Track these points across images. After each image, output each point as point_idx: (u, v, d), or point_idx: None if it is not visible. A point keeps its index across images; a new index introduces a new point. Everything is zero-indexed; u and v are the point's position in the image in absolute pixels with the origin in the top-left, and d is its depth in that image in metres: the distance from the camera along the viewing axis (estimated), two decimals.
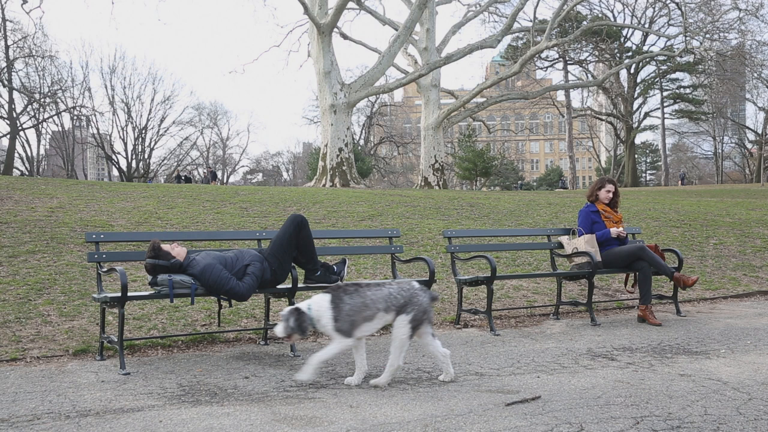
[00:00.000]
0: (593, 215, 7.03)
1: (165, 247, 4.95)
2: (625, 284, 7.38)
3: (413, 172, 55.64)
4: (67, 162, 51.01)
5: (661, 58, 44.08)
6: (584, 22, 39.80)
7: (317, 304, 4.26)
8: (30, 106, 44.09)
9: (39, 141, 51.23)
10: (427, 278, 5.82)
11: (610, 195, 7.14)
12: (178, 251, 4.95)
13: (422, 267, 7.74)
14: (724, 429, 3.47)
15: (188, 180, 40.60)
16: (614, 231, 6.91)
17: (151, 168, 53.40)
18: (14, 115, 41.69)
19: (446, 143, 44.65)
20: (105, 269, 5.14)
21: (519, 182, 61.36)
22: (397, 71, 31.03)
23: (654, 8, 44.43)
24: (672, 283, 7.02)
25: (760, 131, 54.91)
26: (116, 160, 51.18)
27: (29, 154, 48.22)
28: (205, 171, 49.88)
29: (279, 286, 5.29)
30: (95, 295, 4.99)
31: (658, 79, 51.83)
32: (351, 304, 4.22)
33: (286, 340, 4.58)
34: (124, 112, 50.09)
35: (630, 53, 48.42)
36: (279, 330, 4.25)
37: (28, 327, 5.30)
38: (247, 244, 7.49)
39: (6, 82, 39.71)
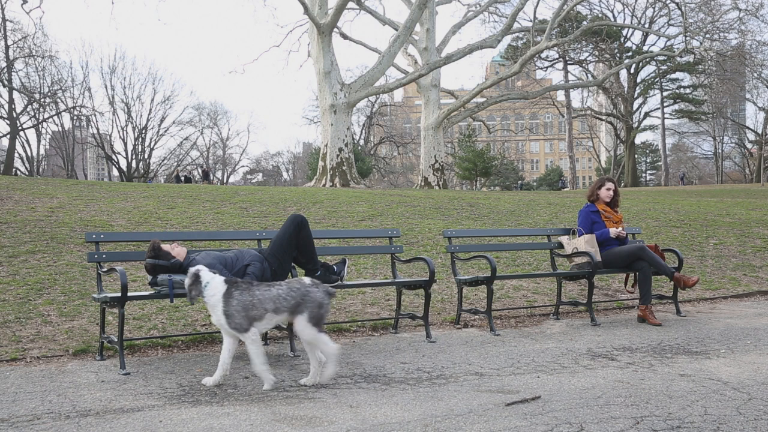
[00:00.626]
0: (593, 215, 7.03)
1: (165, 247, 4.95)
2: (625, 284, 7.37)
3: (413, 172, 55.65)
4: (67, 162, 51.01)
5: (661, 58, 44.09)
6: (584, 22, 39.80)
7: (213, 288, 4.25)
8: (30, 106, 44.11)
9: (39, 141, 51.27)
10: (427, 278, 5.83)
11: (611, 194, 7.14)
12: (178, 251, 4.95)
13: (422, 267, 7.74)
14: (724, 429, 3.47)
15: (188, 180, 40.49)
16: (613, 231, 6.91)
17: (151, 168, 53.41)
18: (14, 115, 41.70)
19: (446, 143, 44.65)
20: (105, 269, 5.14)
21: (519, 182, 61.37)
22: (397, 71, 31.05)
23: (654, 8, 44.46)
24: (672, 283, 7.02)
25: (760, 131, 54.92)
26: (116, 160, 51.19)
27: (29, 154, 48.25)
28: (200, 171, 49.81)
29: None
30: (95, 295, 4.99)
31: (658, 79, 51.84)
32: (239, 300, 4.19)
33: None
34: (124, 112, 50.14)
35: (630, 53, 48.43)
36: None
37: (28, 327, 5.30)
38: (247, 244, 7.49)
39: (6, 82, 39.71)
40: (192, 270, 4.31)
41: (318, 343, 4.24)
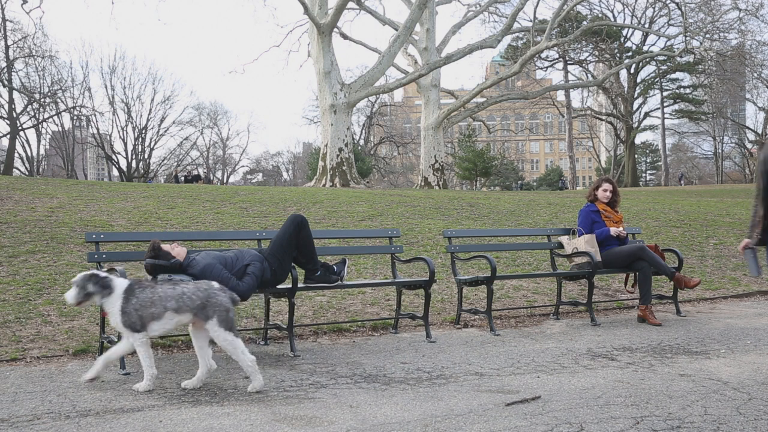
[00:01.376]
0: (593, 215, 7.03)
1: (165, 247, 4.95)
2: (625, 284, 7.38)
3: (413, 172, 55.65)
4: (67, 162, 51.01)
5: (661, 58, 44.09)
6: (584, 22, 39.80)
7: (115, 288, 4.12)
8: (30, 106, 44.09)
9: (39, 141, 51.24)
10: (427, 278, 5.83)
11: (608, 194, 7.14)
12: (178, 251, 4.95)
13: (422, 267, 7.74)
14: (724, 429, 3.47)
15: (188, 180, 40.11)
16: (614, 230, 6.91)
17: (151, 168, 53.40)
18: (14, 115, 41.70)
19: (446, 143, 44.66)
20: (105, 269, 5.14)
21: (519, 182, 61.34)
22: (397, 71, 31.05)
23: (654, 8, 44.46)
24: (672, 283, 7.02)
25: (760, 131, 54.93)
26: (116, 160, 51.18)
27: (29, 154, 48.24)
28: (204, 171, 49.68)
29: (279, 286, 5.29)
30: None
31: (658, 79, 51.83)
32: (140, 298, 4.08)
33: (75, 306, 4.36)
34: (124, 112, 50.11)
35: (630, 53, 48.42)
36: (70, 296, 4.08)
37: (28, 327, 5.30)
38: (247, 244, 7.49)
39: (6, 82, 39.71)
40: (80, 277, 4.11)
41: (236, 349, 4.13)
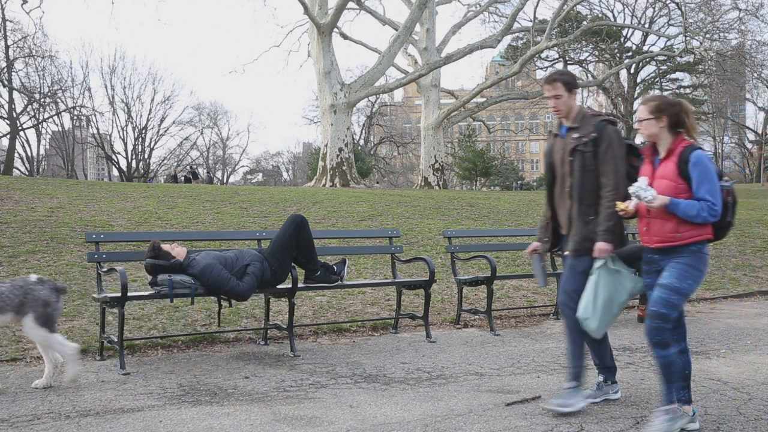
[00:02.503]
0: None
1: (165, 247, 4.95)
2: None
3: (413, 172, 55.63)
4: (67, 162, 50.97)
5: (661, 58, 44.04)
6: (584, 22, 39.79)
7: None
8: (30, 106, 44.05)
9: (39, 141, 51.17)
10: (427, 278, 5.83)
11: None
12: (178, 251, 4.95)
13: (422, 267, 7.73)
14: (724, 429, 3.47)
15: (189, 180, 39.93)
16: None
17: (151, 168, 53.37)
18: (14, 115, 41.67)
19: (446, 143, 44.65)
20: (105, 269, 5.14)
21: (519, 182, 61.26)
22: (397, 71, 31.01)
23: (654, 8, 44.38)
24: None
25: (760, 131, 54.91)
26: (116, 160, 51.14)
27: (29, 154, 48.22)
28: (204, 171, 49.54)
29: (279, 286, 5.29)
30: (95, 295, 4.99)
31: (658, 79, 51.77)
32: None
33: None
34: (124, 112, 50.03)
35: (630, 53, 48.37)
36: None
37: None
38: (247, 244, 7.49)
39: (6, 82, 39.68)
40: None
41: (52, 344, 4.07)
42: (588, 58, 50.04)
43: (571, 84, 3.98)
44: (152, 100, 59.65)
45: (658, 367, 3.42)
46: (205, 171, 48.88)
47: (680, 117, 3.48)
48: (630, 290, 3.77)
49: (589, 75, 50.13)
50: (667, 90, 53.11)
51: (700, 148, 3.46)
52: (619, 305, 3.73)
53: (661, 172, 3.50)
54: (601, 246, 3.77)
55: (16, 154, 44.39)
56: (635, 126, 3.68)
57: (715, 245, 10.41)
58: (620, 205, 3.56)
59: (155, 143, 52.49)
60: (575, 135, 3.90)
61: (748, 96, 55.16)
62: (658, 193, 3.41)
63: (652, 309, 3.40)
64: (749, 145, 59.76)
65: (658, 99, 3.54)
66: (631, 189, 3.45)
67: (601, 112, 4.08)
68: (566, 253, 3.96)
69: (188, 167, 46.73)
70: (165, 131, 53.14)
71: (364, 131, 57.71)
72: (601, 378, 4.03)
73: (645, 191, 3.41)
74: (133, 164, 50.39)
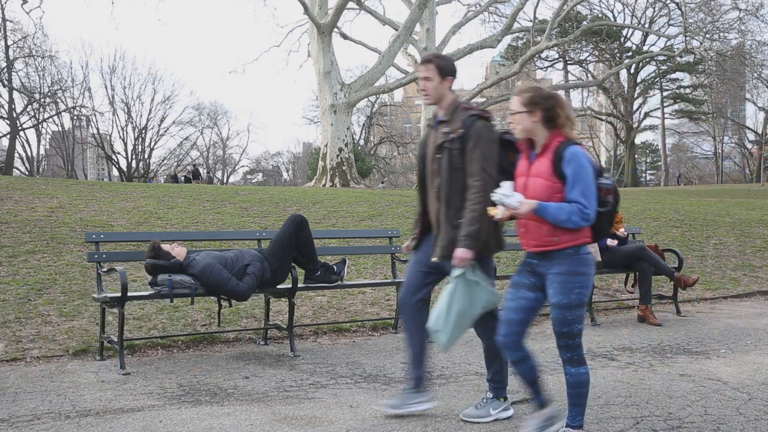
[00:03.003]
0: None
1: (165, 247, 4.95)
2: (625, 284, 7.37)
3: (413, 172, 55.63)
4: (67, 162, 50.97)
5: (661, 58, 44.07)
6: (584, 22, 39.80)
7: None
8: (30, 106, 44.05)
9: (39, 141, 51.18)
10: None
11: None
12: (178, 251, 4.95)
13: None
14: (724, 429, 3.47)
15: (188, 180, 39.93)
16: (610, 242, 6.90)
17: (151, 168, 53.37)
18: (14, 115, 41.67)
19: None
20: (105, 269, 5.14)
21: None
22: (397, 71, 31.01)
23: (654, 8, 44.40)
24: (672, 283, 7.02)
25: (760, 131, 54.89)
26: (116, 160, 51.14)
27: (29, 154, 48.22)
28: (204, 171, 49.47)
29: (279, 286, 5.29)
30: (95, 295, 4.99)
31: (658, 79, 51.81)
32: None
33: None
34: (124, 112, 50.03)
35: (630, 53, 48.39)
36: None
37: (28, 327, 5.30)
38: (247, 244, 7.49)
39: (6, 82, 39.68)
40: None
41: None
42: (588, 58, 50.10)
43: (445, 69, 3.67)
44: (152, 100, 59.54)
45: (568, 385, 3.21)
46: (205, 171, 48.87)
47: (555, 111, 3.18)
48: (485, 304, 3.45)
49: (589, 75, 50.16)
50: (667, 90, 53.14)
51: (578, 144, 3.18)
52: (472, 318, 3.45)
53: (536, 169, 3.20)
54: (460, 253, 3.42)
55: (16, 154, 44.39)
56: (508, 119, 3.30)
57: (716, 245, 10.41)
58: (491, 211, 3.21)
59: (155, 143, 52.50)
60: (444, 129, 3.61)
61: (748, 96, 55.13)
62: (531, 193, 3.14)
63: (556, 330, 3.18)
64: (749, 145, 59.75)
65: (531, 90, 3.22)
66: (494, 197, 3.15)
67: (473, 106, 3.74)
68: (434, 259, 3.62)
69: (192, 166, 46.66)
70: (165, 131, 53.15)
71: (364, 131, 57.68)
72: (490, 395, 3.74)
73: (508, 198, 3.11)
74: (133, 164, 50.38)
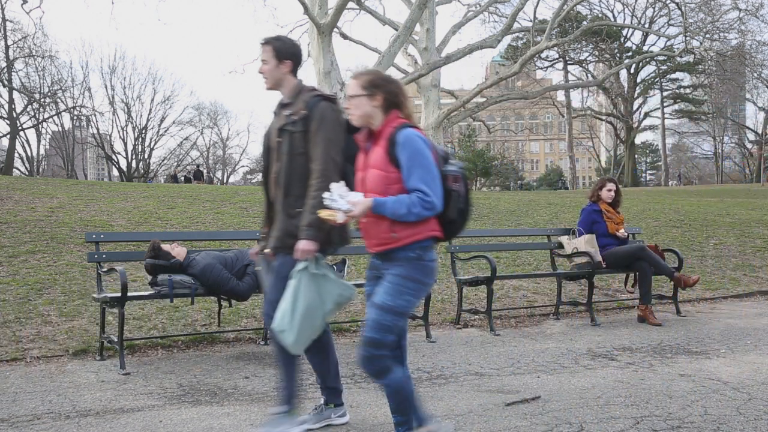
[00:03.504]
0: (595, 215, 7.04)
1: (165, 247, 4.95)
2: (625, 284, 7.37)
3: None
4: (67, 162, 50.96)
5: (661, 58, 44.07)
6: (584, 22, 39.79)
7: None
8: (30, 106, 44.04)
9: (39, 141, 51.17)
10: None
11: (612, 194, 7.15)
12: (178, 251, 4.95)
13: None
14: (724, 429, 3.47)
15: (188, 180, 39.91)
16: (620, 233, 6.94)
17: (151, 168, 53.36)
18: (14, 115, 41.66)
19: (446, 143, 44.65)
20: (105, 269, 5.14)
21: (518, 182, 61.22)
22: (397, 71, 31.01)
23: (654, 8, 44.39)
24: (672, 283, 7.02)
25: (760, 131, 54.90)
26: (116, 160, 51.13)
27: (29, 154, 48.21)
28: (204, 171, 49.44)
29: None
30: (95, 295, 4.99)
31: (658, 79, 51.82)
32: None
33: None
34: (124, 112, 50.04)
35: (630, 53, 48.39)
36: None
37: (28, 327, 5.30)
38: (247, 244, 7.48)
39: (6, 82, 39.67)
40: None
41: None
42: (588, 58, 50.08)
43: (282, 51, 3.39)
44: (152, 100, 59.61)
45: (388, 397, 2.89)
46: (204, 171, 48.89)
47: (398, 98, 2.91)
48: (338, 299, 3.15)
49: (589, 75, 50.15)
50: (667, 90, 53.14)
51: (414, 127, 2.87)
52: (324, 315, 3.15)
53: (372, 160, 2.88)
54: (302, 245, 3.13)
55: (16, 154, 44.38)
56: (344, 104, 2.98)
57: (716, 245, 10.40)
58: (323, 214, 2.86)
59: (155, 143, 52.50)
60: (286, 112, 3.35)
61: (748, 96, 55.17)
62: (369, 188, 2.83)
63: (364, 334, 2.81)
64: (749, 145, 59.77)
65: (372, 73, 2.96)
66: (325, 200, 2.84)
67: (318, 88, 3.49)
68: (266, 251, 3.36)
69: (195, 166, 46.55)
70: (165, 131, 53.14)
71: None
72: (321, 401, 3.54)
73: (338, 201, 2.79)
74: (133, 164, 50.37)
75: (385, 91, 2.89)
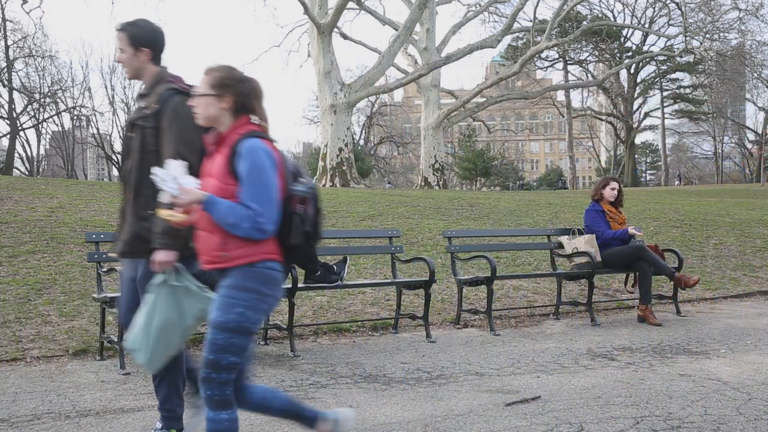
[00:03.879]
0: (598, 215, 7.04)
1: None
2: (625, 284, 7.37)
3: (413, 172, 55.66)
4: (67, 162, 50.95)
5: (661, 58, 44.08)
6: (584, 22, 39.80)
7: None
8: (30, 106, 44.04)
9: (39, 141, 51.19)
10: (427, 278, 5.83)
11: (615, 193, 7.15)
12: None
13: (422, 267, 7.73)
14: (724, 429, 3.47)
15: None
16: (632, 230, 6.91)
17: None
18: (14, 115, 41.66)
19: (446, 143, 44.67)
20: (105, 269, 5.14)
21: (518, 182, 61.22)
22: (397, 71, 31.01)
23: (654, 8, 44.41)
24: (672, 283, 7.02)
25: (760, 131, 54.89)
26: (116, 160, 51.09)
27: (29, 154, 48.21)
28: None
29: None
30: (95, 295, 4.99)
31: (658, 79, 51.82)
32: None
33: None
34: (124, 112, 50.05)
35: (630, 53, 48.40)
36: None
37: (28, 327, 5.30)
38: None
39: (6, 82, 39.67)
40: None
41: None
42: (588, 58, 50.09)
43: (138, 39, 3.15)
44: None
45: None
46: None
47: (250, 101, 2.61)
48: (199, 313, 2.82)
49: (589, 75, 50.16)
50: (667, 90, 53.15)
51: (264, 137, 2.57)
52: (183, 332, 2.85)
53: (213, 168, 2.58)
54: (159, 256, 2.84)
55: (16, 154, 44.38)
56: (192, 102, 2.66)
57: (716, 245, 10.41)
58: (161, 212, 2.53)
59: None
60: (141, 104, 3.10)
61: (748, 96, 55.18)
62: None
63: (203, 355, 2.52)
64: (749, 145, 59.77)
65: (223, 71, 2.61)
66: (154, 178, 2.49)
67: (178, 78, 3.17)
68: (112, 254, 3.08)
69: None
70: None
71: (364, 131, 57.66)
72: (159, 425, 3.18)
73: (168, 182, 2.45)
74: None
75: (235, 92, 2.58)
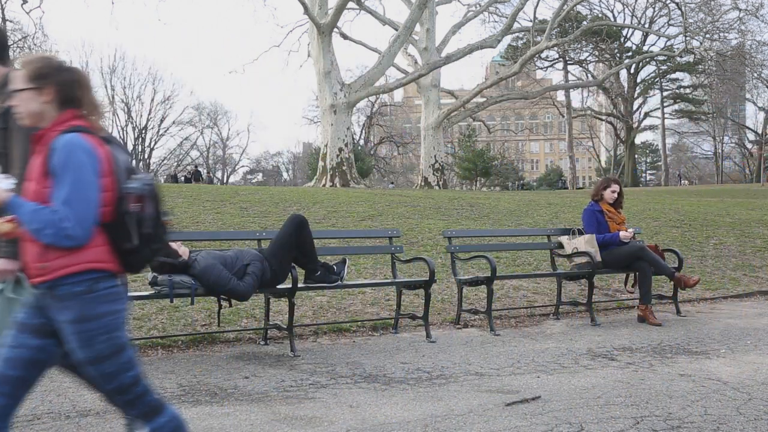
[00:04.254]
0: (597, 215, 7.04)
1: (172, 245, 4.93)
2: (625, 284, 7.37)
3: (413, 172, 55.68)
4: None
5: (661, 58, 44.10)
6: (584, 22, 39.81)
7: None
8: None
9: None
10: (427, 278, 5.83)
11: (615, 195, 7.15)
12: (183, 250, 4.95)
13: (422, 267, 7.73)
14: (724, 429, 3.47)
15: (188, 180, 39.91)
16: (623, 234, 6.87)
17: (151, 168, 53.39)
18: None
19: (446, 143, 44.67)
20: None
21: (518, 182, 61.19)
22: (397, 71, 31.03)
23: (654, 8, 44.43)
24: (672, 283, 7.02)
25: (760, 131, 54.91)
26: None
27: None
28: (205, 172, 49.49)
29: (279, 286, 5.29)
30: None
31: (658, 79, 51.84)
32: None
33: None
34: (124, 112, 50.18)
35: (630, 53, 48.42)
36: None
37: None
38: (247, 244, 7.48)
39: None
40: None
41: None
42: (588, 58, 50.11)
43: None
44: (152, 100, 59.60)
45: None
46: (205, 171, 48.94)
47: (74, 91, 2.32)
48: None
49: (589, 75, 50.18)
50: (667, 90, 53.15)
51: (88, 132, 2.29)
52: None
53: (31, 169, 2.30)
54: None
55: None
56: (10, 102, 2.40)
57: (716, 245, 10.40)
58: None
59: (155, 143, 52.64)
60: None
61: (748, 96, 55.20)
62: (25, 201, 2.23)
63: (101, 389, 2.40)
64: (749, 145, 59.78)
65: (41, 61, 2.33)
66: None
67: None
68: None
69: (194, 167, 46.64)
70: (165, 131, 53.28)
71: (364, 131, 57.68)
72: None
73: None
74: (133, 164, 50.37)
75: (57, 82, 2.29)
